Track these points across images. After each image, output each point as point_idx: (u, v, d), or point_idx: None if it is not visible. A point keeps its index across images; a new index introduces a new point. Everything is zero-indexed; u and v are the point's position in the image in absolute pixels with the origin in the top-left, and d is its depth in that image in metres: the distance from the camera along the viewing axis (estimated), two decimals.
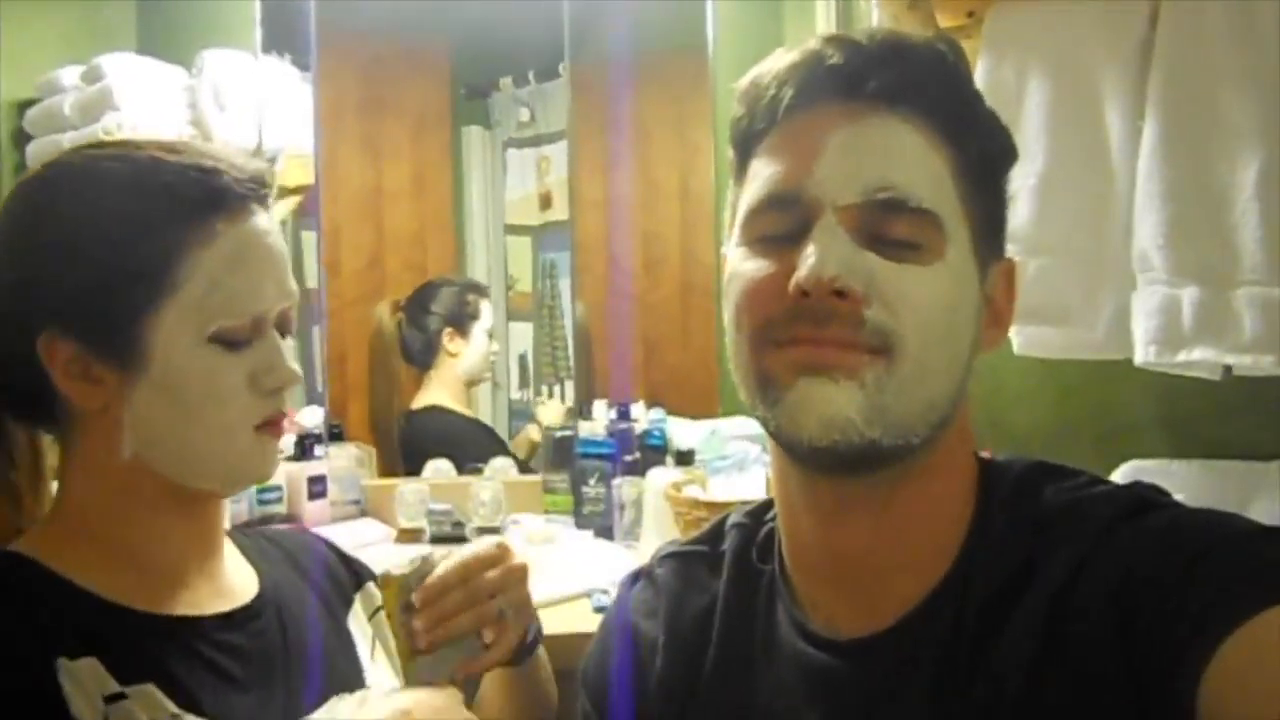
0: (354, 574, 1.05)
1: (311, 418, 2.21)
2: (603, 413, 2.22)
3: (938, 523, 0.75)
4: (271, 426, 0.88)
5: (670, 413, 2.19)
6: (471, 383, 2.42)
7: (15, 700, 0.74)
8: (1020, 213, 1.49)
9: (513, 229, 2.74)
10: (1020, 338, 1.59)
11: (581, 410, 2.33)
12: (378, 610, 1.02)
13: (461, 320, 2.40)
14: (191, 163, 0.85)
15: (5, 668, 0.75)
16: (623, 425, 2.08)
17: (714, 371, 2.35)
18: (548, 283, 2.69)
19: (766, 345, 0.71)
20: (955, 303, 0.71)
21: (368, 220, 2.52)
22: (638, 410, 2.22)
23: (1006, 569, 0.71)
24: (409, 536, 1.94)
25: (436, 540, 1.90)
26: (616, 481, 1.93)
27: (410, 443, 2.33)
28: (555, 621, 1.27)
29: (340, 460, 2.02)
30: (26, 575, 0.81)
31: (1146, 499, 0.72)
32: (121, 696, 0.78)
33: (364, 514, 2.03)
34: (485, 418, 2.47)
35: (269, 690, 0.87)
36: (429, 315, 2.40)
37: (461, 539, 1.88)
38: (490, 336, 2.43)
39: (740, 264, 0.74)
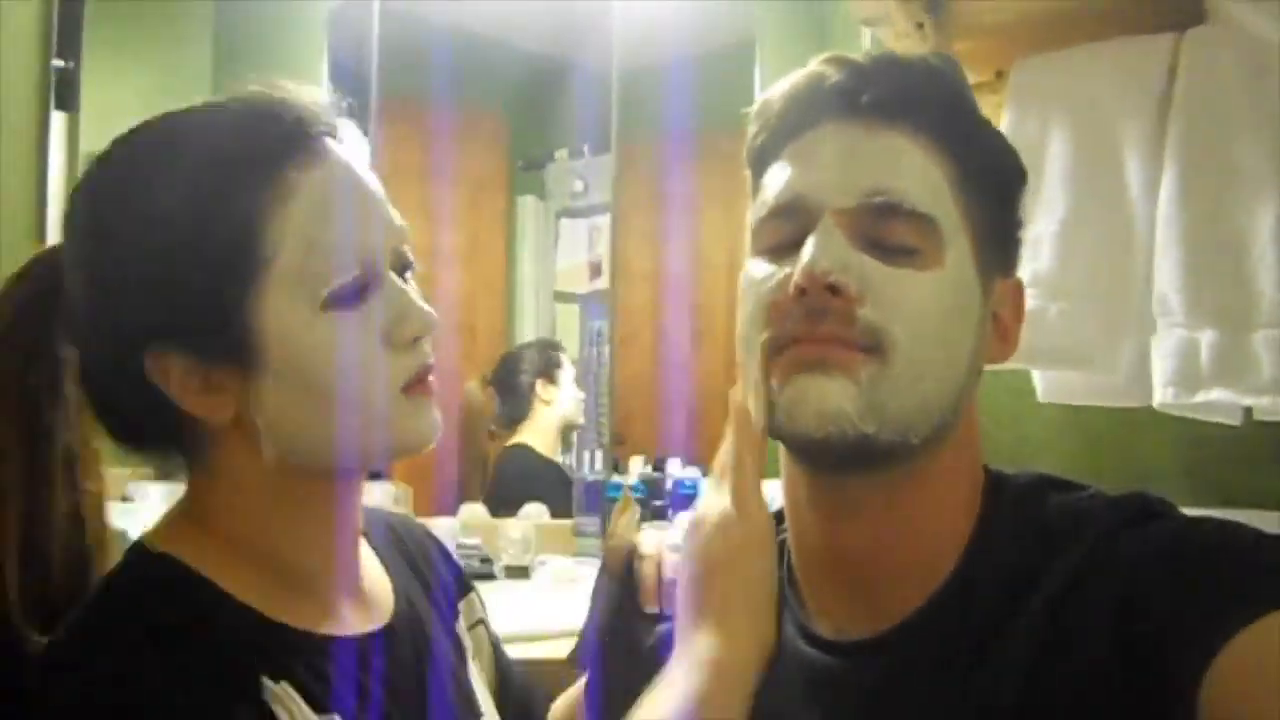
0: (459, 580, 0.98)
1: None
2: (638, 467, 2.26)
3: (941, 527, 0.75)
4: (420, 385, 0.77)
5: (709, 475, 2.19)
6: (567, 427, 2.53)
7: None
8: (1042, 258, 1.52)
9: (562, 296, 2.81)
10: (1043, 383, 1.61)
11: (616, 466, 2.36)
12: (477, 623, 0.97)
13: (550, 369, 2.54)
14: (241, 113, 0.75)
15: (214, 684, 0.69)
16: (656, 474, 2.11)
17: None
18: (594, 350, 2.74)
19: (769, 348, 0.73)
20: (952, 308, 0.72)
21: (421, 282, 2.58)
22: (674, 466, 2.25)
23: (1009, 574, 0.71)
24: None
25: None
26: (647, 526, 1.94)
27: (496, 475, 2.46)
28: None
29: (376, 497, 2.06)
30: (200, 587, 0.73)
31: (1150, 508, 0.72)
32: None
33: None
34: None
35: (408, 715, 0.82)
36: (520, 375, 2.53)
37: (489, 575, 1.90)
38: (574, 384, 2.55)
39: (750, 273, 0.76)
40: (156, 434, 0.78)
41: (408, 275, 0.79)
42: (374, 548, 0.89)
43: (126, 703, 0.65)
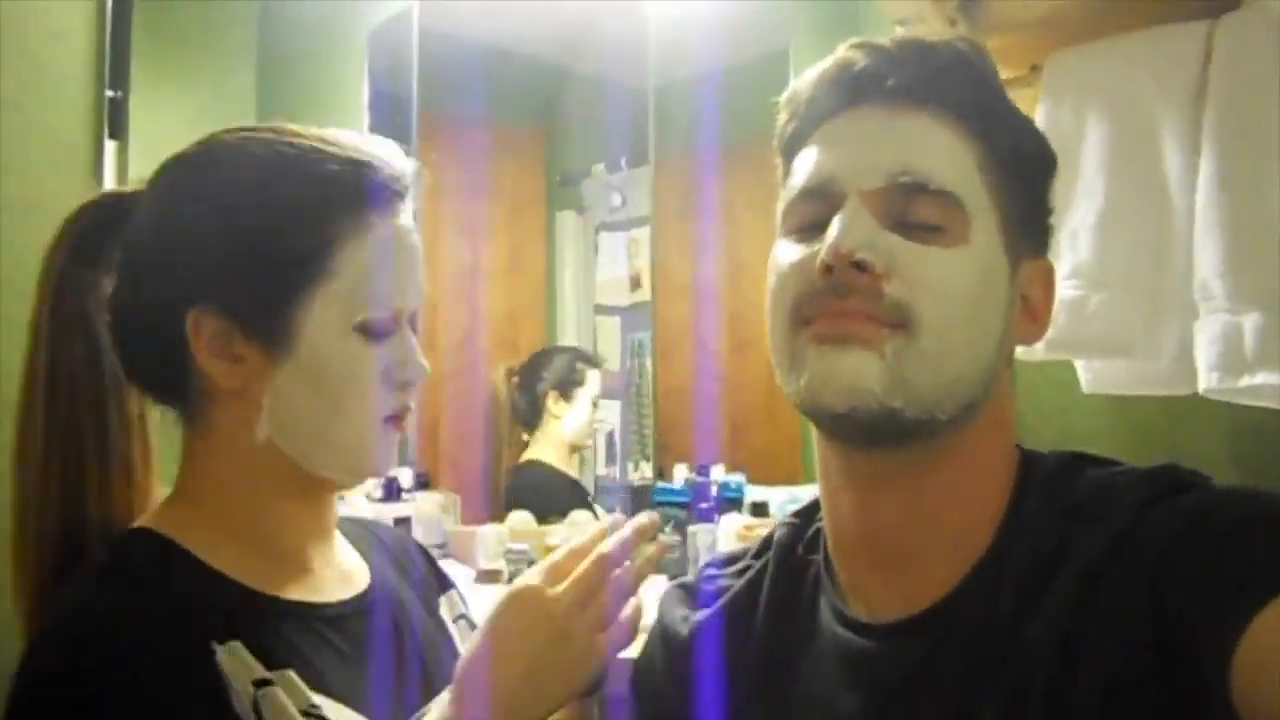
0: (439, 578, 1.07)
1: (403, 478, 2.29)
2: (683, 474, 2.27)
3: (972, 505, 0.76)
4: (396, 420, 0.90)
5: (751, 482, 2.22)
6: (575, 447, 2.52)
7: (178, 685, 0.75)
8: (1081, 249, 1.52)
9: (602, 309, 2.82)
10: (1087, 374, 1.60)
11: (661, 473, 2.37)
12: (459, 617, 1.04)
13: (567, 385, 2.52)
14: (350, 155, 0.86)
15: (166, 651, 0.76)
16: (700, 479, 2.12)
17: (799, 446, 2.38)
18: (635, 362, 2.75)
19: (796, 325, 0.74)
20: (978, 287, 0.73)
21: (463, 298, 2.63)
22: (717, 473, 2.25)
23: (1041, 550, 0.72)
24: (488, 577, 1.99)
25: (514, 581, 1.94)
26: (692, 529, 1.96)
27: (512, 492, 2.47)
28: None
29: (426, 505, 2.09)
30: (168, 555, 0.82)
31: (1181, 480, 0.72)
32: (268, 682, 0.79)
33: (446, 556, 2.09)
34: None
35: (387, 678, 0.89)
36: (538, 380, 2.53)
37: None
38: (595, 405, 2.53)
39: (778, 254, 0.78)
40: (172, 389, 0.88)
41: (416, 327, 0.92)
42: (349, 539, 0.99)
43: (79, 653, 0.74)
